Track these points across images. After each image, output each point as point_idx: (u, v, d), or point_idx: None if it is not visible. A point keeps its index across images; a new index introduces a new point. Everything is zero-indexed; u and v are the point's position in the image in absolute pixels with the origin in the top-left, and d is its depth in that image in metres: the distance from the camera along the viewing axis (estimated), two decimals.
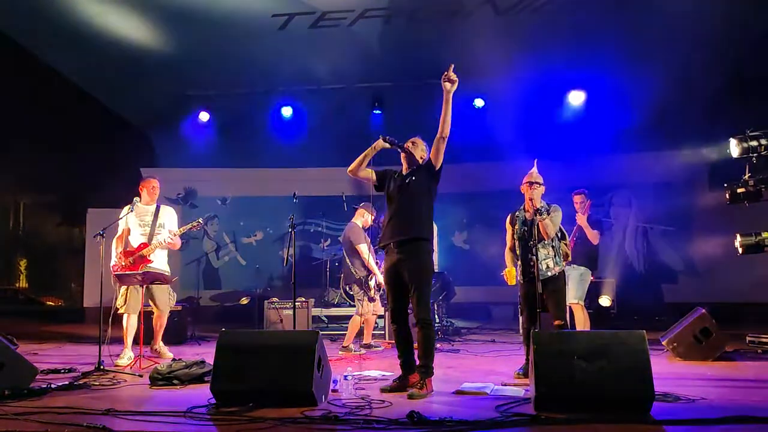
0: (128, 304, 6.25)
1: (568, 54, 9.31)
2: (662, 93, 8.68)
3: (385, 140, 4.71)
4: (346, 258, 7.17)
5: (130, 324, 6.27)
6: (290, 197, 6.37)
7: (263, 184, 12.54)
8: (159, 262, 6.42)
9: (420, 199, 4.65)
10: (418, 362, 4.59)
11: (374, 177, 4.85)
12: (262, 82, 10.60)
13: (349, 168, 4.82)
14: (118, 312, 6.25)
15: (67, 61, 10.27)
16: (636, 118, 9.69)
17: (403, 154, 4.75)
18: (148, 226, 6.40)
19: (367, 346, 7.09)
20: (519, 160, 10.98)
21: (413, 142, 4.80)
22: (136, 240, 6.37)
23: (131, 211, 6.25)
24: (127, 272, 6.02)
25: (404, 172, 4.77)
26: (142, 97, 11.28)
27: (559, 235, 5.40)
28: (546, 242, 5.26)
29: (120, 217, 6.32)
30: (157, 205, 6.54)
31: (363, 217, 7.17)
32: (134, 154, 13.29)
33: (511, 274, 5.54)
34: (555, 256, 5.31)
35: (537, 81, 9.86)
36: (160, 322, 6.52)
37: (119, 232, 6.43)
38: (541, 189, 5.35)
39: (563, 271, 5.35)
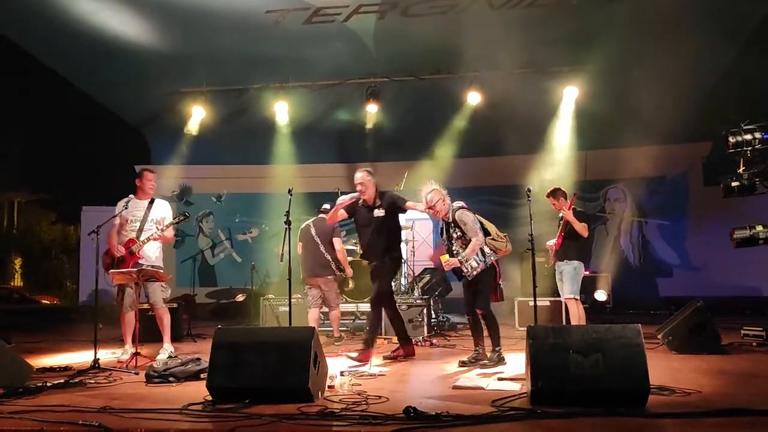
0: (124, 302, 6.18)
1: (564, 48, 9.30)
2: (657, 87, 8.68)
3: None
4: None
5: (127, 321, 6.20)
6: (285, 193, 6.33)
7: (258, 181, 12.51)
8: (150, 258, 6.25)
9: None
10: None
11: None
12: (256, 79, 10.56)
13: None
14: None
15: (61, 60, 10.22)
16: (631, 112, 9.70)
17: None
18: (138, 221, 6.24)
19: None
20: (515, 155, 11.09)
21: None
22: (127, 235, 6.21)
23: (125, 207, 6.19)
24: (121, 270, 5.97)
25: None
26: (136, 95, 11.24)
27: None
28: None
29: (115, 213, 6.20)
30: (151, 200, 6.37)
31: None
32: (129, 152, 13.28)
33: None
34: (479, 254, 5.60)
35: (532, 76, 9.85)
36: (160, 321, 6.32)
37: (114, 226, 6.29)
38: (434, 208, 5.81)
39: (485, 268, 5.56)
